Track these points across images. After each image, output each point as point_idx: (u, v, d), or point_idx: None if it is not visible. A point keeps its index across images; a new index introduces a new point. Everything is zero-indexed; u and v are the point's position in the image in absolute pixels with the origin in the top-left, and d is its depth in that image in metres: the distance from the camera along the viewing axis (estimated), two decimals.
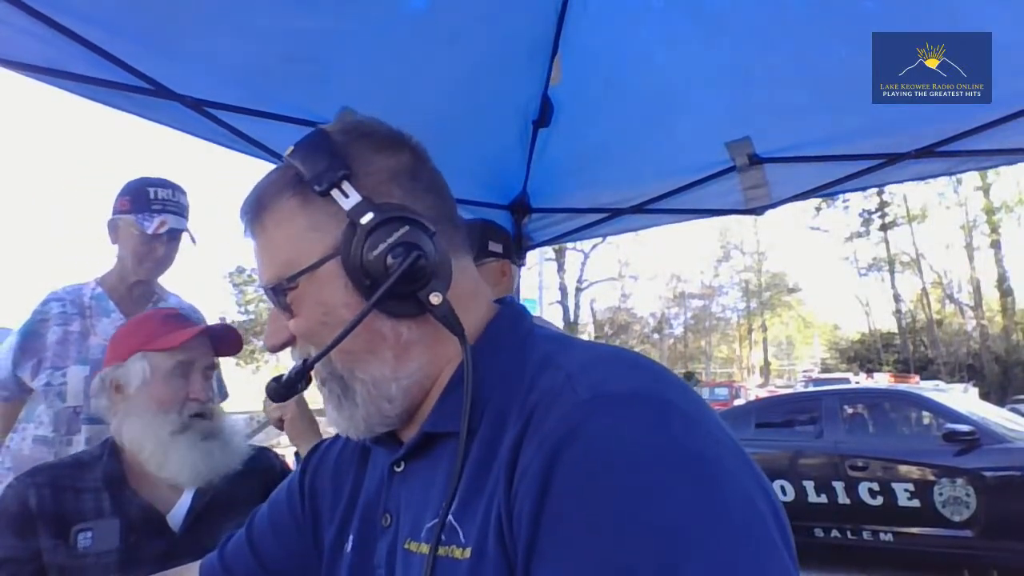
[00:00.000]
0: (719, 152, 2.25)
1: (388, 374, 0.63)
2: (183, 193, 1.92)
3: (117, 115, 1.83)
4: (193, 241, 1.94)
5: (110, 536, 1.20)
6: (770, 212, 2.45)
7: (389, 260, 0.59)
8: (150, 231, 1.81)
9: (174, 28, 1.70)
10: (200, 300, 2.10)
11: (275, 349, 0.67)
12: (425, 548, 0.58)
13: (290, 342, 0.66)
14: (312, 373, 0.65)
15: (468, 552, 0.54)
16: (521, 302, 0.78)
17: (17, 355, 1.84)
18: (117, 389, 1.32)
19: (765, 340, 45.41)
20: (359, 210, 0.61)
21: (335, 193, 0.61)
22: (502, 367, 0.62)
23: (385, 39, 1.84)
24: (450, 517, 0.57)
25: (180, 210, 1.88)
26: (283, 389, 0.66)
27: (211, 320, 2.04)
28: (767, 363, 45.00)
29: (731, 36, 1.85)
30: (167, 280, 2.04)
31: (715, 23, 1.81)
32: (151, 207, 1.83)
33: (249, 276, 37.94)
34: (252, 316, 36.68)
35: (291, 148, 0.66)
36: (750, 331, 44.66)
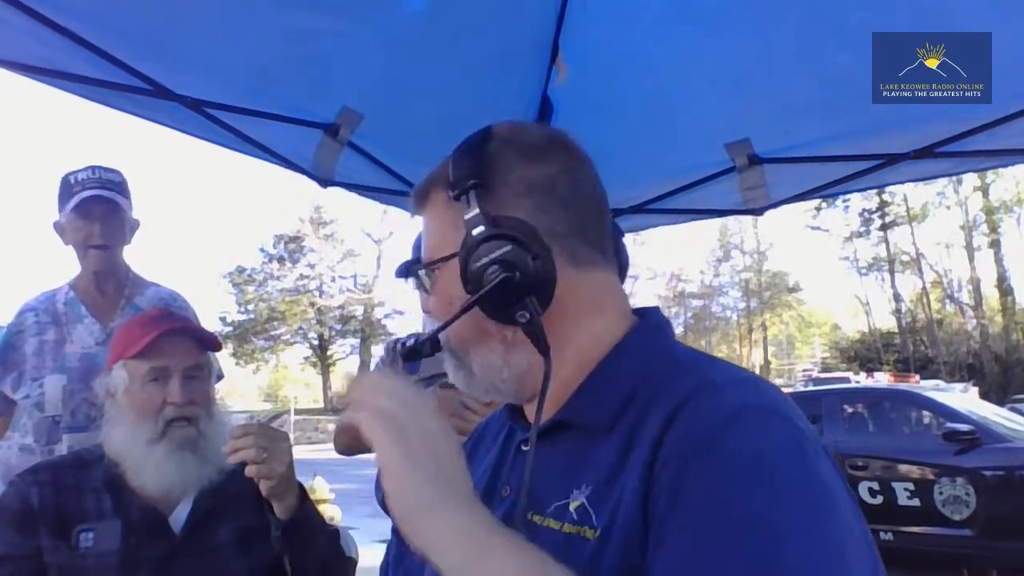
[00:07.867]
0: (719, 152, 2.24)
1: (497, 362, 0.72)
2: (110, 171, 1.91)
3: (117, 116, 1.83)
4: (127, 211, 1.91)
5: (111, 537, 1.20)
6: (770, 212, 2.45)
7: (486, 274, 0.66)
8: (70, 207, 1.81)
9: (174, 28, 1.70)
10: (200, 300, 2.08)
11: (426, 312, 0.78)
12: (553, 523, 0.64)
13: (430, 313, 0.76)
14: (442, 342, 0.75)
15: (597, 533, 0.60)
16: None
17: None
18: (111, 397, 1.32)
19: (765, 340, 45.38)
20: (474, 221, 0.67)
21: (465, 200, 0.68)
22: (648, 369, 0.67)
23: (385, 39, 1.84)
24: (584, 500, 0.63)
25: (101, 184, 1.86)
26: (407, 352, 0.76)
27: (209, 318, 2.04)
28: (767, 363, 44.95)
29: (731, 36, 1.84)
30: (165, 279, 2.04)
31: (715, 23, 1.81)
32: (71, 192, 1.85)
33: (249, 276, 37.89)
34: (252, 315, 36.61)
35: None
36: (750, 331, 44.62)
